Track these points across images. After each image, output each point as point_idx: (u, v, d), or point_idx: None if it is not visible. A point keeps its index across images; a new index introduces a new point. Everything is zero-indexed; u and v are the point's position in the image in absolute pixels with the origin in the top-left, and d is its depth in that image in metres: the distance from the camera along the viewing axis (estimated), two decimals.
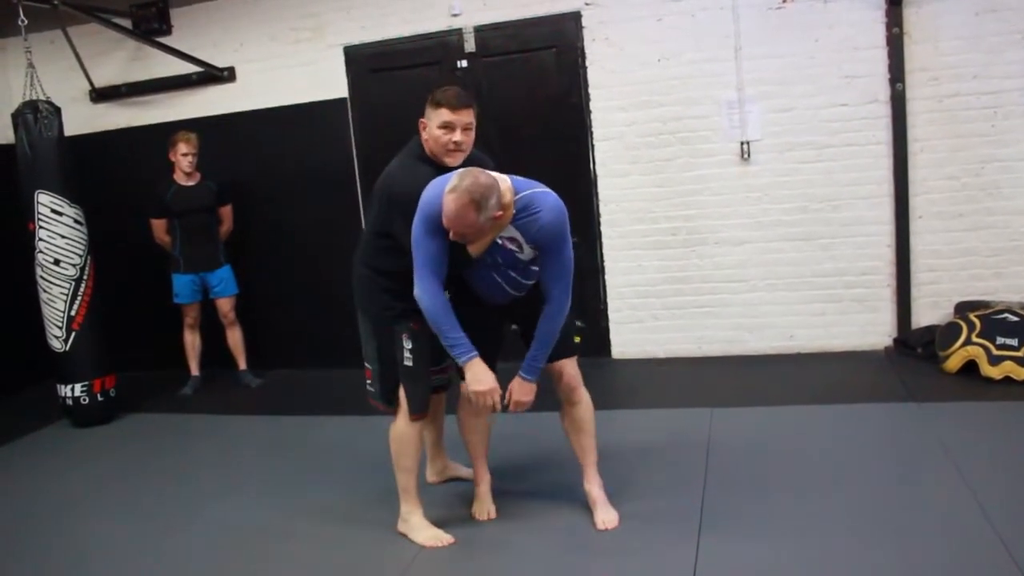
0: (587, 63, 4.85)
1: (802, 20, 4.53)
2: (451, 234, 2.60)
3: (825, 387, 4.20)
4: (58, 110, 4.54)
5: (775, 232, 4.73)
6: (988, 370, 4.03)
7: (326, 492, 3.46)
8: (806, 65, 4.55)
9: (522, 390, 2.81)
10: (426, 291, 2.66)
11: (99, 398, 4.63)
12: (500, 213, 2.60)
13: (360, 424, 4.02)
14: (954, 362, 4.17)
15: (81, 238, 4.57)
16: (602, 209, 4.96)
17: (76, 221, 4.56)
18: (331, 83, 5.20)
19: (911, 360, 4.46)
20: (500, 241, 2.70)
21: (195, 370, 5.23)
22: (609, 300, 5.03)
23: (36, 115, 4.43)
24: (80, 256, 4.57)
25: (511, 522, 3.02)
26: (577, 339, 2.99)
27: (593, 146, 4.91)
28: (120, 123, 5.58)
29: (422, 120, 2.84)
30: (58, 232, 4.50)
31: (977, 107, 4.38)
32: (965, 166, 4.45)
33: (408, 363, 2.87)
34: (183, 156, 4.93)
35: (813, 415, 3.84)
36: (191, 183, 5.02)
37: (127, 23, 5.34)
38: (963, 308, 4.41)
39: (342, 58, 5.19)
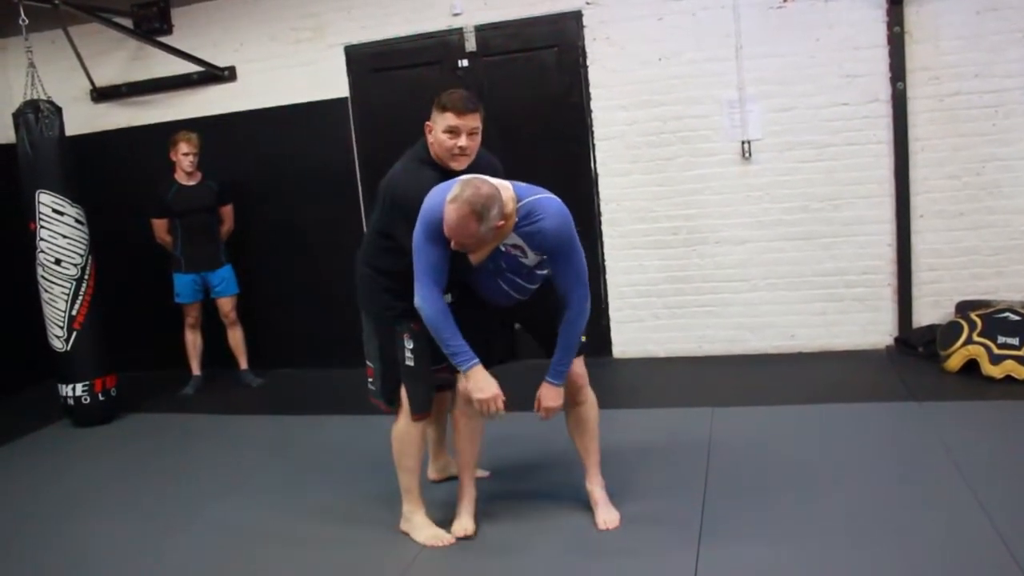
0: (588, 62, 4.85)
1: (803, 19, 4.52)
2: (452, 243, 2.57)
3: (826, 386, 4.20)
4: (59, 110, 4.54)
5: (776, 231, 4.73)
6: (989, 369, 4.02)
7: (327, 492, 3.46)
8: (807, 64, 4.55)
9: (551, 395, 2.79)
10: (426, 299, 2.64)
11: (100, 398, 4.64)
12: (502, 223, 2.57)
13: (361, 424, 4.02)
14: (955, 361, 4.16)
15: (82, 238, 4.58)
16: (603, 208, 4.95)
17: (77, 221, 4.56)
18: (332, 83, 5.19)
19: (912, 359, 4.45)
20: (503, 248, 2.67)
21: (196, 370, 5.23)
22: (610, 299, 5.03)
23: (37, 115, 4.43)
24: (81, 256, 4.57)
25: (512, 522, 3.02)
26: (583, 338, 2.99)
27: (594, 145, 4.91)
28: (121, 123, 5.59)
29: (428, 123, 2.81)
30: (59, 232, 4.50)
31: (978, 106, 4.37)
32: (966, 165, 4.44)
33: (409, 363, 2.86)
34: (184, 156, 4.94)
35: (814, 414, 3.84)
36: (192, 183, 5.02)
37: (128, 23, 5.34)
38: (964, 307, 4.41)
39: (343, 58, 5.18)
